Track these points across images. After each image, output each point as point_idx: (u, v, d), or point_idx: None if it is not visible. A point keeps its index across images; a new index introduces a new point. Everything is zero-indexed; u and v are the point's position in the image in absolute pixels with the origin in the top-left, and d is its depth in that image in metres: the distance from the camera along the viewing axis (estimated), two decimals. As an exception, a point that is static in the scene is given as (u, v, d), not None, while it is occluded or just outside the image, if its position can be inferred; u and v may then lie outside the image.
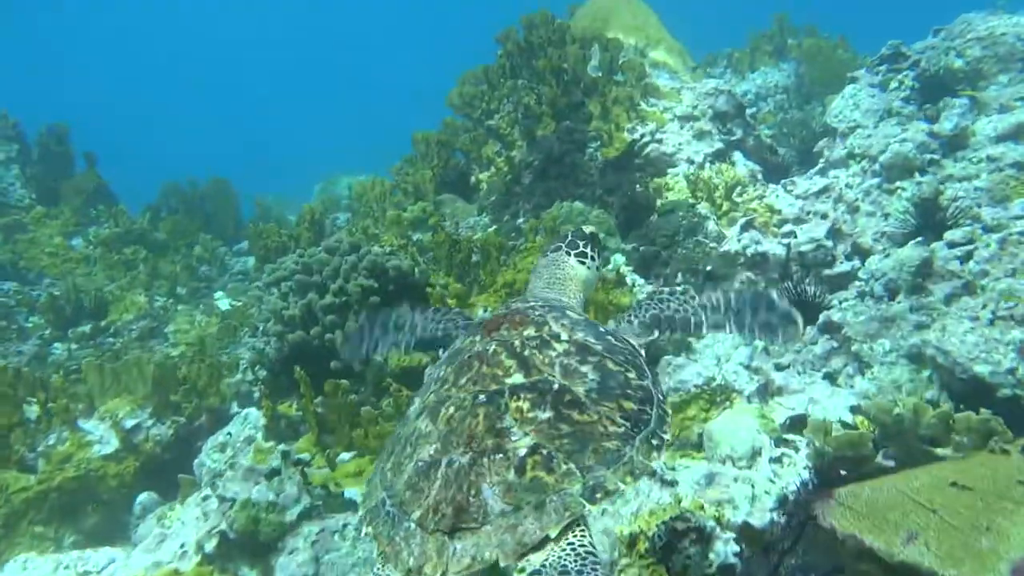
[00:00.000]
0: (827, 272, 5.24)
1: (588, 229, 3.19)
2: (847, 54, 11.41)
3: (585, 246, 3.06)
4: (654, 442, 2.11)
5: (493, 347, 2.28)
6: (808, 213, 6.15)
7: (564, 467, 1.93)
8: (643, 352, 2.55)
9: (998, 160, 5.23)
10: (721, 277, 5.67)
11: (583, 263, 3.04)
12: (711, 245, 6.06)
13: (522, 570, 1.86)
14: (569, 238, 3.11)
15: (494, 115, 8.04)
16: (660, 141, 7.11)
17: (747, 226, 6.15)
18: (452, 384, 2.25)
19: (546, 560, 1.82)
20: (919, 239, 4.77)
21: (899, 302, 4.58)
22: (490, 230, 6.54)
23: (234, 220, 10.83)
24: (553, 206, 6.64)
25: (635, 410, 2.15)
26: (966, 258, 4.57)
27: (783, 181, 6.69)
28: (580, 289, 3.04)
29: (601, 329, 2.52)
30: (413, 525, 1.93)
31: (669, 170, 6.90)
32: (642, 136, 7.12)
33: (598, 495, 1.91)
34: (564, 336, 2.35)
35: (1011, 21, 6.43)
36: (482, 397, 2.11)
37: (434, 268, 6.44)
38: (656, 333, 2.64)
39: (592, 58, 7.43)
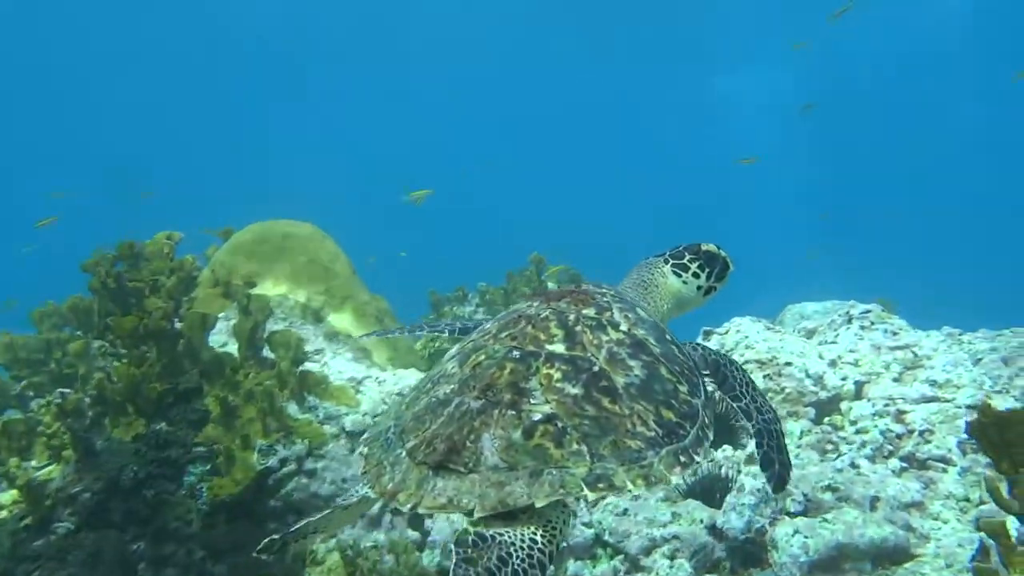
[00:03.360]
0: None
1: (707, 247, 2.94)
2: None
3: (691, 261, 2.89)
4: (682, 458, 1.95)
5: (546, 313, 2.25)
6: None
7: (575, 446, 1.83)
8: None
9: (823, 624, 3.02)
10: None
11: (679, 275, 2.90)
12: None
13: (475, 523, 1.73)
14: (679, 248, 2.96)
15: (61, 387, 4.80)
16: (312, 474, 4.30)
17: None
18: (492, 336, 2.21)
19: (500, 534, 1.72)
20: None
21: None
22: None
23: None
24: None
25: (673, 422, 2.03)
26: None
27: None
28: (666, 301, 2.93)
29: (668, 336, 2.41)
30: (403, 452, 1.93)
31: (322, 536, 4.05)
32: (283, 463, 4.28)
33: (601, 485, 1.78)
34: (623, 327, 2.27)
35: (795, 347, 4.79)
36: (516, 353, 2.06)
37: None
38: (707, 375, 2.41)
39: (222, 321, 4.66)
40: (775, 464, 2.19)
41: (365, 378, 4.78)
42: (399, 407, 2.21)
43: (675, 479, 1.89)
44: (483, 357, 2.10)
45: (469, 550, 1.68)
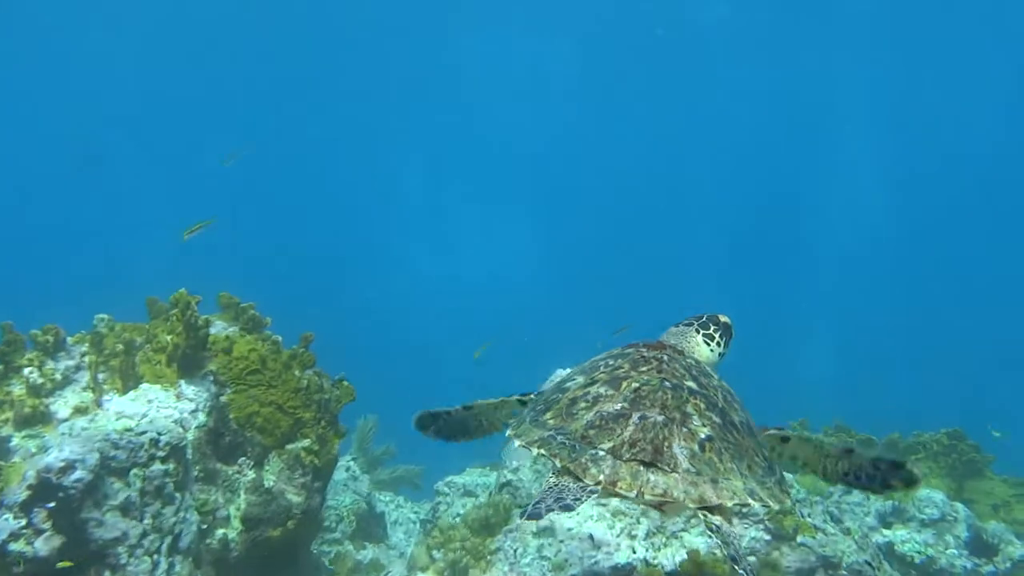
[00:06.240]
0: None
1: (724, 318, 3.37)
2: (323, 380, 6.59)
3: (715, 331, 3.30)
4: (784, 487, 2.47)
5: (666, 357, 2.72)
6: None
7: (729, 464, 2.32)
8: None
9: None
10: None
11: (708, 344, 3.27)
12: None
13: (707, 517, 2.24)
14: (704, 318, 3.35)
15: None
16: None
17: None
18: (630, 370, 2.64)
19: (720, 525, 2.21)
20: None
21: None
22: None
23: None
24: None
25: (768, 457, 2.55)
26: None
27: None
28: None
29: (737, 397, 2.90)
30: (603, 452, 2.31)
31: None
32: None
33: (754, 497, 2.28)
34: (715, 379, 2.80)
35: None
36: (668, 384, 2.52)
37: None
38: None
39: None
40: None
41: None
42: (538, 416, 2.63)
43: (788, 502, 2.44)
44: (638, 384, 2.53)
45: (716, 532, 2.20)
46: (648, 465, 2.22)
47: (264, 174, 37.66)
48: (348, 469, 9.90)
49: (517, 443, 2.68)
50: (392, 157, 39.35)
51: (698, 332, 3.29)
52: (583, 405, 2.53)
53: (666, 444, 2.26)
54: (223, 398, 6.10)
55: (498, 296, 36.80)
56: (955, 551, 8.26)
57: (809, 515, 6.70)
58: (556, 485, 2.36)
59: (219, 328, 6.65)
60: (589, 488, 2.28)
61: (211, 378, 6.13)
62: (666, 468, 2.21)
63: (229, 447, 6.02)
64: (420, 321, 35.05)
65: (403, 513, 10.52)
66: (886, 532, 8.43)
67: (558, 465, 2.34)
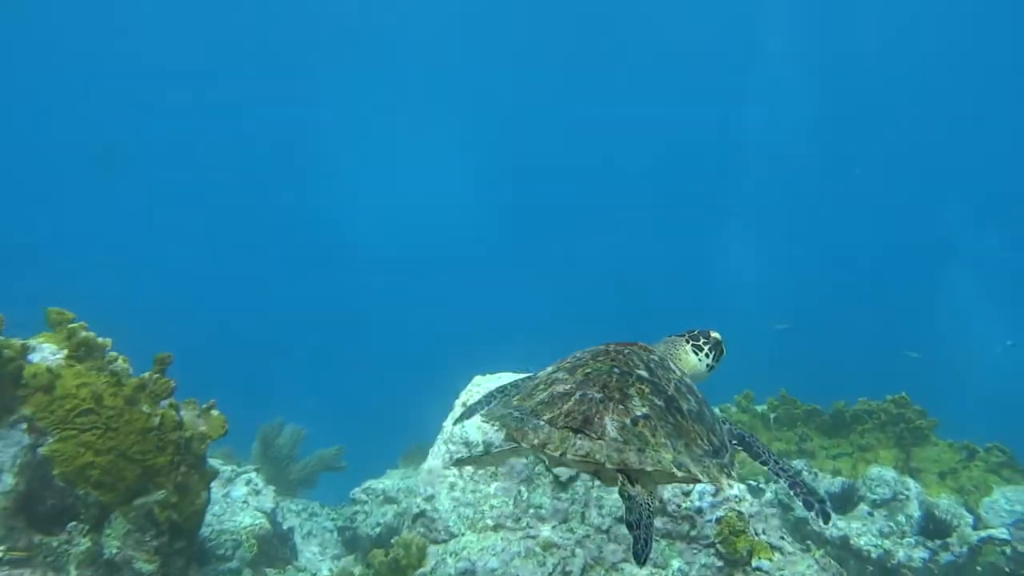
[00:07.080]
0: None
1: (715, 334, 3.58)
2: (185, 412, 5.29)
3: (704, 343, 3.53)
4: (727, 469, 2.71)
5: (628, 350, 3.01)
6: None
7: (663, 440, 2.54)
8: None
9: None
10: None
11: (696, 354, 3.52)
12: None
13: (623, 486, 2.43)
14: (696, 332, 3.60)
15: None
16: None
17: None
18: (589, 360, 2.92)
19: (637, 494, 2.39)
20: None
21: None
22: None
23: None
24: None
25: (717, 444, 2.79)
26: None
27: None
28: (684, 372, 3.47)
29: (699, 394, 3.13)
30: (542, 422, 2.61)
31: None
32: None
33: (681, 470, 2.48)
34: (677, 374, 3.06)
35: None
36: (617, 370, 2.80)
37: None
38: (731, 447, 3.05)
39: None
40: (814, 505, 2.85)
41: None
42: (508, 399, 2.96)
43: (724, 481, 2.63)
44: (590, 370, 2.81)
45: (627, 499, 2.39)
46: (577, 432, 2.48)
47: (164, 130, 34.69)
48: (249, 483, 8.66)
49: (482, 419, 3.00)
50: (307, 108, 36.68)
51: (688, 342, 3.51)
52: (542, 388, 2.84)
53: (598, 416, 2.52)
54: (42, 450, 4.75)
55: (430, 261, 35.34)
56: (912, 540, 7.74)
57: (764, 531, 5.91)
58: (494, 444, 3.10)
59: (45, 355, 5.22)
60: (515, 443, 2.68)
61: (24, 425, 4.75)
62: (593, 435, 2.46)
63: (52, 512, 4.70)
64: (338, 296, 33.34)
65: (318, 522, 9.41)
66: (840, 524, 7.85)
67: (505, 433, 2.69)
